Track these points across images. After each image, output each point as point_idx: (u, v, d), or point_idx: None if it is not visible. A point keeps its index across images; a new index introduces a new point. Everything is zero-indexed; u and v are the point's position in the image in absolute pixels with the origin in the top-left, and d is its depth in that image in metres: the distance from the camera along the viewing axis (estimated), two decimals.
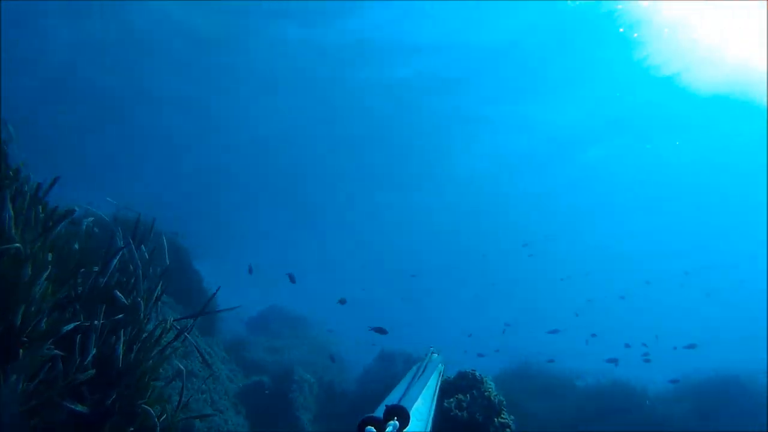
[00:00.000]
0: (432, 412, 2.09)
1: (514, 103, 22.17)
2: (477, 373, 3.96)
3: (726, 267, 34.74)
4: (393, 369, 13.94)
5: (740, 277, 35.00)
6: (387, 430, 1.51)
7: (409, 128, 25.00)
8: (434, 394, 2.37)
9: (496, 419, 3.74)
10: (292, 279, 12.90)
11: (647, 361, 16.21)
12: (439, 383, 2.76)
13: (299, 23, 18.19)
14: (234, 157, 27.70)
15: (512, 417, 3.83)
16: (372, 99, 22.34)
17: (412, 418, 1.65)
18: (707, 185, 26.68)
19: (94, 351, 2.42)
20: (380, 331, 10.19)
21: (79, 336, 2.39)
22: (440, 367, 3.07)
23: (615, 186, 28.29)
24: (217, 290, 3.77)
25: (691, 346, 16.18)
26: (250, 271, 15.55)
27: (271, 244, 38.96)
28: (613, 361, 15.38)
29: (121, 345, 2.62)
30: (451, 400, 3.73)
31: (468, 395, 3.80)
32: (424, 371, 2.65)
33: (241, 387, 12.48)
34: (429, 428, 1.91)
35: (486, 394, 3.81)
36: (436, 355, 3.20)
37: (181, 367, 3.28)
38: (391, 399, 1.86)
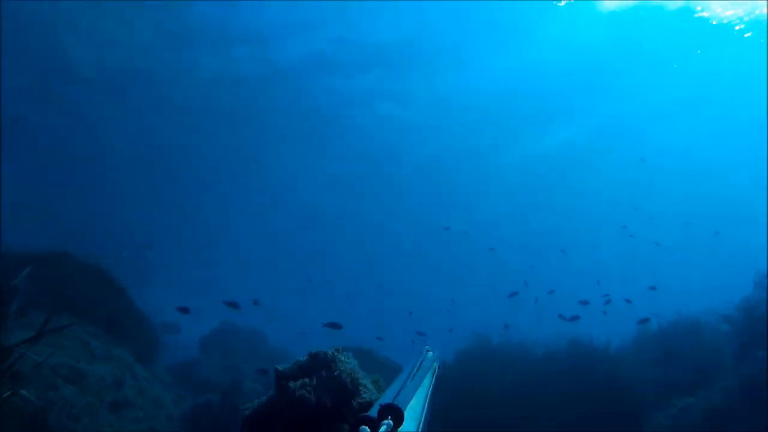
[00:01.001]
0: (426, 411, 2.07)
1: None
2: (330, 352, 3.54)
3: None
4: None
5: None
6: (381, 429, 1.52)
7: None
8: (428, 393, 2.36)
9: (353, 401, 3.35)
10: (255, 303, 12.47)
11: (605, 312, 16.01)
12: (433, 382, 2.70)
13: None
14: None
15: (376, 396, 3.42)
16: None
17: (406, 417, 1.67)
18: None
19: None
20: (334, 326, 9.87)
21: None
22: (435, 365, 2.96)
23: None
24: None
25: (652, 288, 16.16)
26: (256, 303, 15.06)
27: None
28: (575, 318, 14.95)
29: None
30: (296, 383, 3.33)
31: (315, 377, 3.39)
32: (418, 370, 2.57)
33: (189, 408, 11.88)
34: (422, 427, 1.89)
35: (336, 374, 3.40)
36: (431, 353, 3.08)
37: None
38: (385, 398, 1.83)
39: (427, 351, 3.04)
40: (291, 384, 3.20)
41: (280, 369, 3.50)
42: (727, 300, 12.53)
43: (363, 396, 3.24)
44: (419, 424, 1.86)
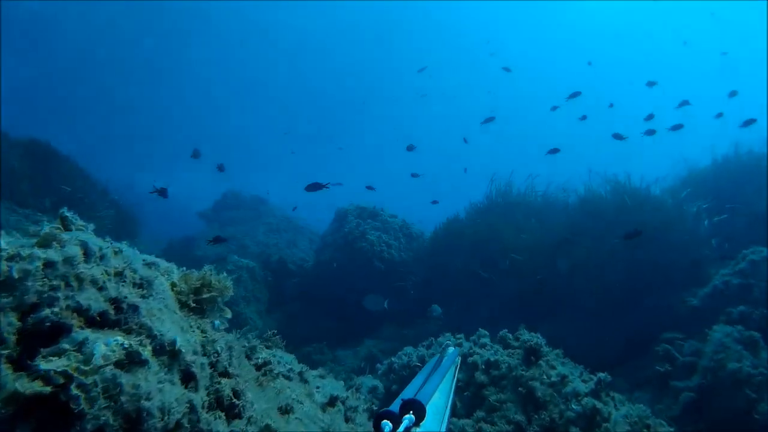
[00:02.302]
0: (449, 406, 2.09)
1: None
2: None
3: None
4: (345, 227, 11.83)
5: None
6: (402, 424, 1.51)
7: None
8: (451, 388, 2.32)
9: None
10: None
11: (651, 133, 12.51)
12: (455, 377, 2.58)
13: None
14: None
15: None
16: None
17: (428, 412, 1.65)
18: None
19: None
20: (316, 187, 7.82)
21: None
22: (457, 360, 2.84)
23: None
24: None
25: (677, 127, 12.74)
26: (221, 169, 12.99)
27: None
28: (651, 133, 11.52)
29: None
30: None
31: None
32: (440, 364, 2.57)
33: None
34: (446, 422, 1.92)
35: None
36: (452, 348, 2.98)
37: None
38: (407, 393, 1.90)
39: (448, 345, 3.04)
40: None
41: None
42: None
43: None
44: (443, 419, 1.91)
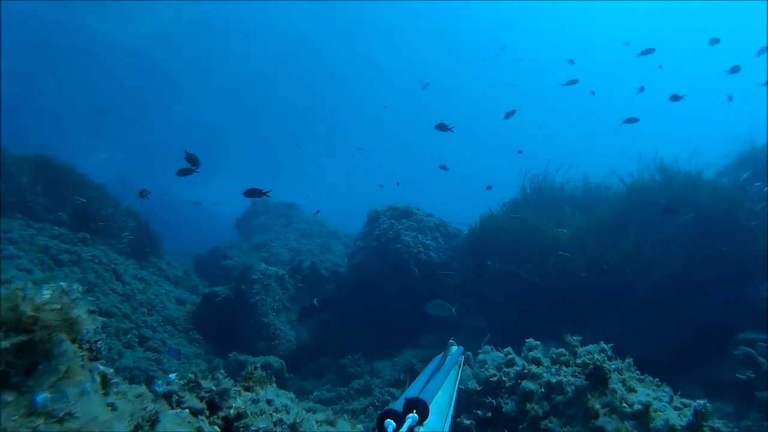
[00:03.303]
0: (453, 405, 2.08)
1: None
2: None
3: None
4: (377, 229, 11.27)
5: None
6: (406, 423, 1.50)
7: None
8: (454, 387, 2.32)
9: None
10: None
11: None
12: (459, 376, 2.58)
13: None
14: None
15: None
16: None
17: (431, 411, 1.64)
18: None
19: None
20: (254, 193, 6.43)
21: None
22: (460, 359, 2.86)
23: None
24: None
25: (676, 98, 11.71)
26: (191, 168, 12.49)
27: None
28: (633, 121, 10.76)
29: None
30: None
31: None
32: (443, 364, 2.52)
33: (196, 307, 10.17)
34: (450, 421, 1.91)
35: None
36: (455, 347, 2.99)
37: None
38: (411, 392, 1.88)
39: (451, 345, 2.98)
40: None
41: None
42: None
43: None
44: (446, 418, 1.88)
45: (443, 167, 12.22)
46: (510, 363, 4.24)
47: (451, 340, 3.08)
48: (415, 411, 1.56)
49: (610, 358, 3.85)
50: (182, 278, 11.59)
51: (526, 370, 4.00)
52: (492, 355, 4.55)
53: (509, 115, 11.84)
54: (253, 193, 6.32)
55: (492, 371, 4.15)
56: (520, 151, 13.67)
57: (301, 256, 13.50)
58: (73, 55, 32.33)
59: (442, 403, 1.96)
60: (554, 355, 4.13)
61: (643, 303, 8.28)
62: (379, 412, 1.51)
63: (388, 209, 11.93)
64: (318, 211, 17.12)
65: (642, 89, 14.57)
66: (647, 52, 13.03)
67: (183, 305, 10.14)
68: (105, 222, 9.77)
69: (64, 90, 35.10)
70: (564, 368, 3.92)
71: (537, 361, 4.17)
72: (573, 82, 12.35)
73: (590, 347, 3.95)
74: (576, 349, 4.00)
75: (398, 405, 1.61)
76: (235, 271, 11.89)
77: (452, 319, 9.17)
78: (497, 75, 37.31)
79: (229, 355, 8.55)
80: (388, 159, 42.67)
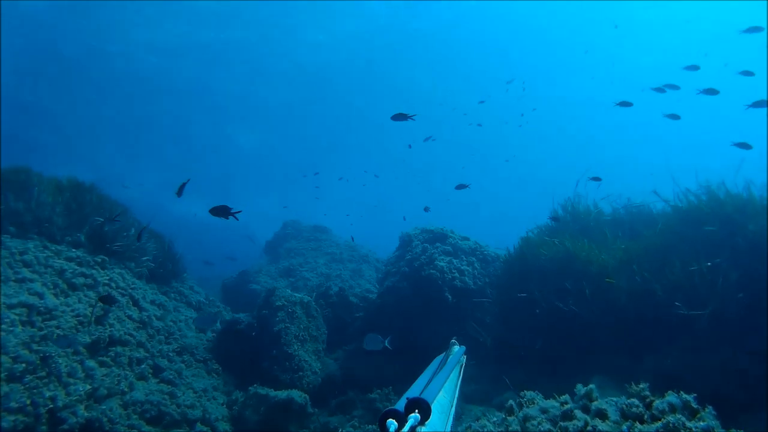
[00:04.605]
0: (455, 405, 2.08)
1: None
2: None
3: None
4: (410, 253, 10.56)
5: None
6: (408, 423, 1.45)
7: None
8: (456, 387, 2.32)
9: None
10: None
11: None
12: (461, 376, 2.57)
13: None
14: None
15: None
16: None
17: (433, 411, 1.61)
18: None
19: None
20: (220, 212, 5.76)
21: None
22: (462, 359, 2.85)
23: None
24: None
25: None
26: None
27: None
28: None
29: None
30: None
31: None
32: (445, 364, 2.47)
33: (217, 334, 9.60)
34: (452, 421, 1.90)
35: None
36: (457, 347, 2.93)
37: None
38: (413, 392, 1.81)
39: (453, 344, 2.94)
40: None
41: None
42: None
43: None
44: (448, 418, 1.88)
45: (461, 186, 11.08)
46: (567, 415, 3.41)
47: (453, 340, 2.99)
48: (417, 411, 1.52)
49: (695, 412, 3.03)
50: (204, 304, 11.08)
51: (590, 428, 3.18)
52: (542, 405, 3.72)
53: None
54: (219, 211, 5.55)
55: (546, 426, 3.34)
56: (507, 160, 12.88)
57: (329, 282, 12.87)
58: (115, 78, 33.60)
59: (444, 402, 1.94)
60: (624, 407, 3.30)
61: (701, 334, 7.27)
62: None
63: (421, 232, 11.28)
64: (353, 238, 16.58)
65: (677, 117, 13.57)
66: (692, 68, 12.21)
67: (204, 333, 9.58)
68: (124, 244, 9.35)
69: (100, 108, 36.15)
70: (638, 425, 3.09)
71: (602, 414, 3.34)
72: (627, 104, 11.42)
73: (670, 398, 3.13)
74: (651, 400, 3.19)
75: (400, 405, 1.57)
76: (261, 295, 11.38)
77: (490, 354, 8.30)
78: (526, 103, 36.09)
79: (250, 387, 7.94)
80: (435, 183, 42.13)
